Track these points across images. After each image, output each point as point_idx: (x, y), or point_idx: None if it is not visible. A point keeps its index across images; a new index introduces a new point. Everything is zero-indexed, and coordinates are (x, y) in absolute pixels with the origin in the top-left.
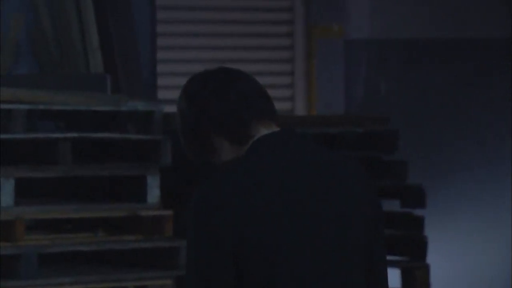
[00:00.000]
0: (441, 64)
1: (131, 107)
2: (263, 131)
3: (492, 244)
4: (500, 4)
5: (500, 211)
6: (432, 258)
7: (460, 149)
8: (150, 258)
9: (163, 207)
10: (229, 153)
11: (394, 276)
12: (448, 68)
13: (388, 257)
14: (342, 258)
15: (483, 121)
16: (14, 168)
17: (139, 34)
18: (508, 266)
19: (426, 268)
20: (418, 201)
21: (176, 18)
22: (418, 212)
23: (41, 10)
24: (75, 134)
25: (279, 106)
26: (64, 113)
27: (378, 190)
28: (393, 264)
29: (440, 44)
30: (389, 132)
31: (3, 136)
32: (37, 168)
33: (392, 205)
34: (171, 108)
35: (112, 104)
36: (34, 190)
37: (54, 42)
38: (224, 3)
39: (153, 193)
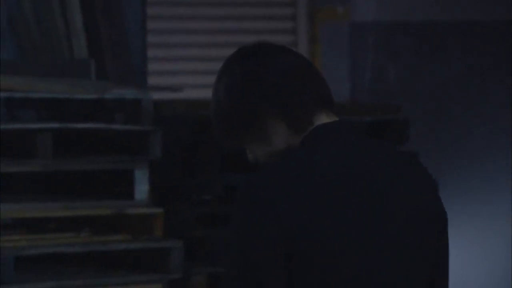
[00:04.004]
0: (455, 49)
1: (117, 95)
2: (324, 119)
3: (508, 239)
4: None
5: None
6: None
7: (476, 140)
8: (138, 260)
9: (153, 204)
10: (284, 141)
11: None
12: (462, 53)
13: None
14: (404, 263)
15: (501, 110)
16: None
17: (127, 16)
18: None
19: None
20: None
21: None
22: None
23: None
24: (56, 125)
25: None
26: (45, 101)
27: None
28: None
29: (454, 27)
30: (399, 122)
31: None
32: (14, 162)
33: None
34: (162, 96)
35: (96, 91)
36: (11, 186)
37: (36, 25)
38: None
39: (142, 189)
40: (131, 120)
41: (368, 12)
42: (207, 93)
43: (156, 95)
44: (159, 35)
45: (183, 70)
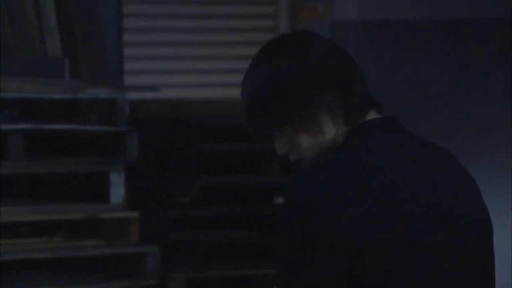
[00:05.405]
0: (438, 48)
1: (91, 95)
2: (372, 115)
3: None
4: None
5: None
6: None
7: (460, 139)
8: (113, 265)
9: (129, 207)
10: (334, 133)
11: None
12: (445, 52)
13: None
14: (462, 266)
15: (486, 109)
16: None
17: (103, 13)
18: None
19: None
20: None
21: None
22: None
23: None
24: (28, 126)
25: None
26: (17, 101)
27: None
28: None
29: (436, 26)
30: None
31: None
32: None
33: None
34: (139, 95)
35: (69, 91)
36: None
37: (8, 23)
38: None
39: (117, 192)
40: (106, 120)
41: (349, 10)
42: (185, 93)
43: (132, 95)
44: (135, 33)
45: (160, 69)
